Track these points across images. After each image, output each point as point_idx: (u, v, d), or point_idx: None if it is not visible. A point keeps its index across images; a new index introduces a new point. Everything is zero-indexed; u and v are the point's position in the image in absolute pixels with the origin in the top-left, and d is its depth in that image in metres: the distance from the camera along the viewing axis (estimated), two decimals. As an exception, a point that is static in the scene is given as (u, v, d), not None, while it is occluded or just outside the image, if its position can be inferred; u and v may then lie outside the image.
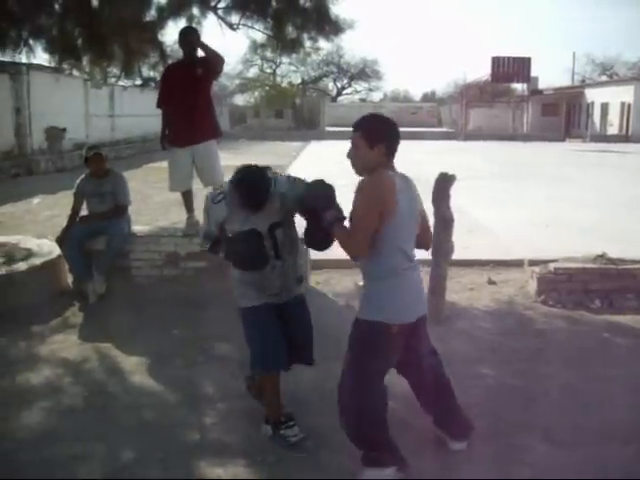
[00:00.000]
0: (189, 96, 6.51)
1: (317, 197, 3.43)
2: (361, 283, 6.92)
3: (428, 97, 76.84)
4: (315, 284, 7.03)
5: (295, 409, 4.12)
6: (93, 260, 6.56)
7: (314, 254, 7.13)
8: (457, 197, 6.07)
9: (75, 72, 20.26)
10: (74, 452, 3.79)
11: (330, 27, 8.31)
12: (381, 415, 3.50)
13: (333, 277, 7.35)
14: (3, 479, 3.56)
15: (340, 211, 3.42)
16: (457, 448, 3.74)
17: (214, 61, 6.50)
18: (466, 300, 6.66)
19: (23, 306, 6.07)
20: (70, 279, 6.79)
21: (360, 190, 3.27)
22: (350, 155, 3.43)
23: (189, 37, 6.57)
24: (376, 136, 3.32)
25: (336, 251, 7.43)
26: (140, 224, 7.40)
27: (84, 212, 6.80)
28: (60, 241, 6.51)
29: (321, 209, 3.39)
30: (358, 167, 3.41)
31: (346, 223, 3.40)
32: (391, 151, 3.36)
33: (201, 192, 7.12)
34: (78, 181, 6.72)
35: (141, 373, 4.91)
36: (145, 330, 5.63)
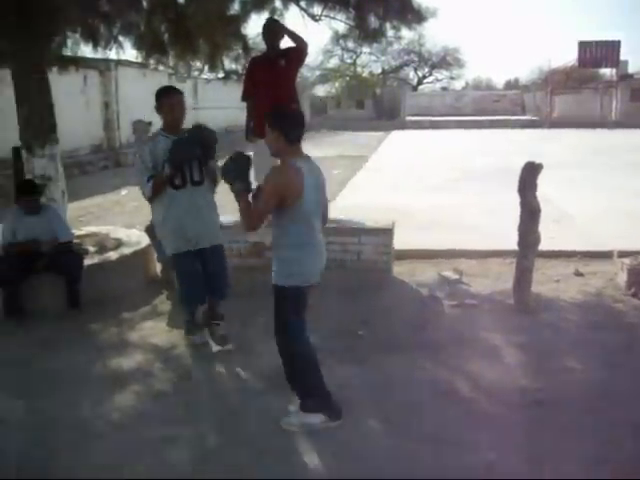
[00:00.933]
0: (273, 88, 6.58)
1: (229, 169, 3.98)
2: (445, 273, 6.93)
3: (511, 84, 75.12)
4: (398, 274, 7.01)
5: (383, 397, 4.13)
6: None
7: (399, 244, 7.13)
8: (542, 186, 5.94)
9: (160, 67, 20.71)
10: (164, 434, 3.92)
11: (413, 16, 8.20)
12: (310, 360, 4.07)
13: (417, 267, 7.31)
14: (98, 459, 3.71)
15: (249, 184, 3.97)
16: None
17: (300, 46, 6.56)
18: (552, 292, 6.52)
19: (114, 294, 6.29)
20: (159, 268, 6.98)
21: (268, 176, 3.86)
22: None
23: (274, 28, 6.65)
24: (275, 121, 3.87)
25: (421, 241, 7.42)
26: (224, 214, 7.50)
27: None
28: (149, 231, 6.70)
29: (232, 179, 3.93)
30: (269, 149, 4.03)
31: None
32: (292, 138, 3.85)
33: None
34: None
35: (226, 361, 5.02)
36: (230, 318, 5.74)
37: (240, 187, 3.90)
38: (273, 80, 6.56)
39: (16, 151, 12.54)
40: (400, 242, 7.20)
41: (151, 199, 4.97)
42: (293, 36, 6.56)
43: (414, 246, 7.82)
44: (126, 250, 6.80)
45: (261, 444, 3.78)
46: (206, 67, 9.63)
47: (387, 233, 6.75)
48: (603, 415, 4.00)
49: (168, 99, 4.99)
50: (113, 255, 6.69)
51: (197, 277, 5.07)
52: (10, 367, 5.01)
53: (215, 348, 5.21)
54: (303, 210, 3.86)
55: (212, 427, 4.02)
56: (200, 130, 4.96)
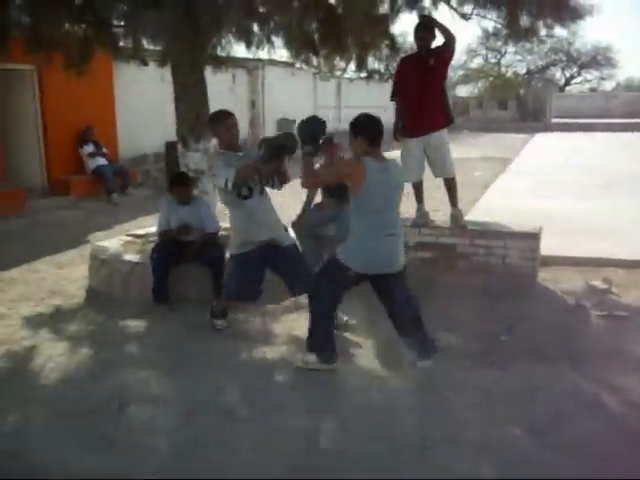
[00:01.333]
0: (421, 87, 6.58)
1: (305, 131, 4.53)
2: (593, 282, 6.66)
3: (669, 85, 70.99)
4: (544, 280, 6.80)
5: (525, 405, 4.04)
6: (325, 246, 6.84)
7: (545, 250, 6.93)
8: None
9: (305, 66, 21.19)
10: (304, 424, 4.02)
11: (568, 13, 7.93)
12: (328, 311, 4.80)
13: (563, 274, 7.07)
14: (242, 444, 3.85)
15: (317, 148, 4.61)
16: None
17: (449, 42, 6.56)
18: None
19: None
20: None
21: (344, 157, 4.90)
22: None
23: (428, 26, 6.66)
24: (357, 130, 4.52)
25: (566, 248, 7.17)
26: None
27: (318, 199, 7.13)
28: (295, 226, 6.86)
29: (307, 141, 4.52)
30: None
31: None
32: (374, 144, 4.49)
33: (431, 182, 7.23)
34: (313, 169, 7.04)
35: (368, 357, 5.08)
36: (373, 316, 5.79)
37: (309, 149, 4.52)
38: (422, 79, 6.57)
39: (168, 146, 13.28)
40: (545, 247, 6.98)
41: (237, 179, 4.99)
42: (443, 30, 6.55)
43: (559, 252, 7.57)
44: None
45: (397, 442, 3.79)
46: (349, 67, 9.74)
47: (534, 237, 6.57)
48: None
49: (225, 123, 5.32)
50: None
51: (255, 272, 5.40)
52: (164, 350, 5.30)
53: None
54: (366, 204, 4.46)
55: (351, 420, 4.07)
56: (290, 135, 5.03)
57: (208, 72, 7.73)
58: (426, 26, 6.66)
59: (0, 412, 4.30)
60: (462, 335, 5.40)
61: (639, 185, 13.26)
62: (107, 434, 3.96)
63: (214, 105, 7.52)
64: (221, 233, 6.65)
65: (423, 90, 6.60)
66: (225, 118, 5.29)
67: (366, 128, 4.50)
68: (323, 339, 4.78)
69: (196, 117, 7.10)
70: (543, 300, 6.34)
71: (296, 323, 5.79)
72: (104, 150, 13.57)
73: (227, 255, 5.80)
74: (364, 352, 5.17)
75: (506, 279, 6.42)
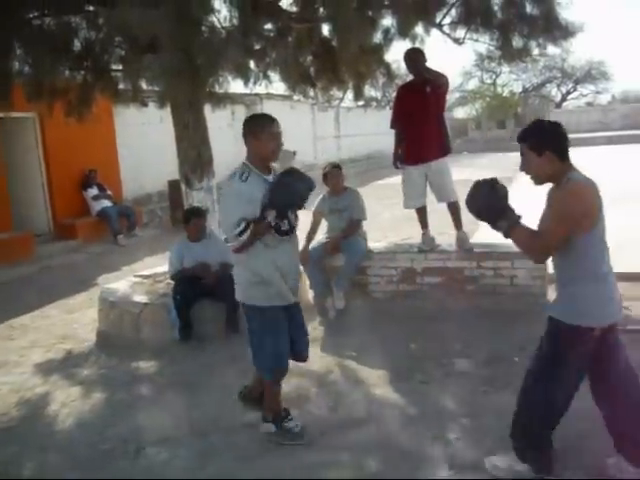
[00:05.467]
0: (420, 115, 6.66)
1: (482, 209, 3.44)
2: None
3: (665, 96, 71.22)
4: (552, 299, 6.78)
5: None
6: (332, 277, 6.87)
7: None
8: None
9: (302, 98, 21.39)
10: (321, 459, 4.01)
11: (559, 32, 8.01)
12: (558, 417, 3.57)
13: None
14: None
15: (511, 214, 3.41)
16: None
17: (437, 82, 6.63)
18: None
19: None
20: (311, 295, 7.14)
21: (557, 203, 3.30)
22: (523, 168, 3.45)
23: (412, 56, 6.75)
24: (542, 143, 3.32)
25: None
26: (373, 241, 7.61)
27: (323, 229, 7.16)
28: (301, 258, 6.87)
29: (491, 220, 3.41)
30: (535, 178, 3.44)
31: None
32: (562, 154, 3.33)
33: (434, 206, 7.25)
34: (317, 200, 7.09)
35: (381, 386, 5.05)
36: (384, 344, 5.78)
37: (507, 223, 3.38)
38: (420, 107, 6.65)
39: (171, 185, 13.37)
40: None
41: (240, 250, 4.09)
42: (430, 73, 6.66)
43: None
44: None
45: (417, 473, 3.77)
46: (347, 96, 9.83)
47: (541, 257, 6.58)
48: None
49: (271, 127, 4.10)
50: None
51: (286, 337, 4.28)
52: (178, 390, 5.29)
53: None
54: (600, 232, 3.34)
55: (369, 453, 4.06)
56: (299, 172, 4.13)
57: (207, 110, 7.81)
58: (410, 56, 6.78)
59: (16, 460, 4.30)
60: (475, 359, 5.39)
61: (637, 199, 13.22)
62: (124, 477, 3.95)
63: (214, 142, 7.62)
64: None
65: (422, 118, 6.68)
66: (271, 123, 4.10)
67: (554, 137, 3.36)
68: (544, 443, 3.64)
69: (197, 155, 7.17)
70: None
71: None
72: (108, 192, 13.66)
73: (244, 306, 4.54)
74: (378, 381, 5.14)
75: (515, 300, 6.42)
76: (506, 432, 3.87)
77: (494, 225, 3.40)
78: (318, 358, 5.70)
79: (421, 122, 6.67)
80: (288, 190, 3.97)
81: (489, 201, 3.43)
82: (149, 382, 5.55)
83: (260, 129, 4.07)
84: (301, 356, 4.46)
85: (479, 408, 4.52)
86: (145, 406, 5.05)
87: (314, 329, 6.50)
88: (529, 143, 3.36)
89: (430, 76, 6.64)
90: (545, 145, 3.30)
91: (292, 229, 4.16)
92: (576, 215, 3.20)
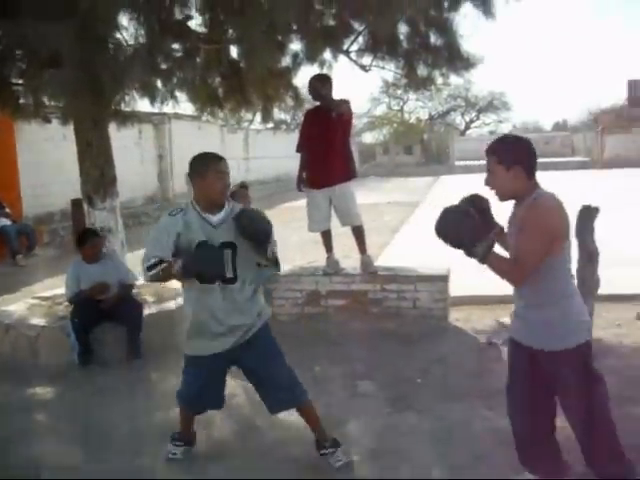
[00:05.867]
0: (325, 140, 6.73)
1: (451, 238, 3.23)
2: (502, 319, 6.84)
3: (559, 126, 74.58)
4: (455, 320, 6.96)
5: (444, 446, 4.08)
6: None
7: (454, 291, 7.10)
8: (598, 229, 5.87)
9: (211, 118, 21.29)
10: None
11: (461, 63, 8.31)
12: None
13: (473, 313, 7.24)
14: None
15: (488, 239, 3.18)
16: None
17: (338, 110, 6.71)
18: (614, 337, 6.38)
19: (174, 343, 6.35)
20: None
21: (532, 221, 3.11)
22: (489, 182, 3.31)
23: (314, 84, 6.85)
24: (511, 158, 3.18)
25: (476, 287, 7.31)
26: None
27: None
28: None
29: (466, 247, 3.18)
30: (500, 194, 3.30)
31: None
32: (530, 171, 3.20)
33: (340, 229, 7.31)
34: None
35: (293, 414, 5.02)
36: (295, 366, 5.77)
37: (483, 249, 3.15)
38: (325, 132, 6.71)
39: (74, 203, 13.00)
40: (455, 288, 7.16)
41: (154, 281, 4.13)
42: (329, 102, 6.74)
43: (469, 292, 7.77)
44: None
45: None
46: (256, 118, 9.85)
47: (443, 279, 6.74)
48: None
49: (218, 166, 3.93)
50: (171, 304, 6.80)
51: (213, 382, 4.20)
52: (76, 417, 5.11)
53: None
54: (569, 250, 3.26)
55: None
56: (250, 222, 3.89)
57: (113, 128, 7.67)
58: (311, 83, 6.86)
59: None
60: (378, 380, 5.44)
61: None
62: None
63: (120, 161, 7.47)
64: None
65: (327, 143, 6.75)
66: (216, 161, 3.95)
67: (523, 153, 3.21)
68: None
69: (100, 174, 7.01)
70: (455, 340, 6.47)
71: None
72: (6, 210, 13.15)
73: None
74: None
75: (418, 322, 6.55)
76: (409, 452, 3.92)
77: (468, 253, 3.19)
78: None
79: (326, 147, 6.74)
80: (197, 263, 3.75)
81: (458, 229, 3.22)
82: (45, 408, 5.34)
83: (205, 168, 3.89)
84: (271, 410, 4.24)
85: (383, 429, 4.55)
86: (42, 434, 4.85)
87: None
88: (498, 157, 3.21)
89: (331, 105, 6.71)
90: (514, 160, 3.17)
91: (231, 279, 3.89)
92: (554, 231, 3.11)
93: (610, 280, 6.95)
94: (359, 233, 7.02)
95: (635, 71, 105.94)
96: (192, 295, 3.98)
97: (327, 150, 6.75)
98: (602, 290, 5.96)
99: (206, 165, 3.91)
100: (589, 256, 5.68)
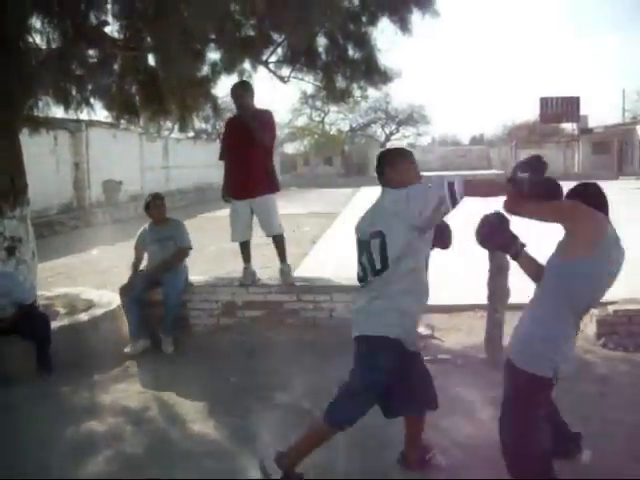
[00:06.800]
0: (246, 150, 6.68)
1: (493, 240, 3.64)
2: (418, 329, 6.92)
3: (477, 140, 76.67)
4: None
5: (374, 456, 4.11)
6: (152, 311, 6.70)
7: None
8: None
9: (130, 127, 20.93)
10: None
11: (379, 76, 8.42)
12: (549, 459, 3.50)
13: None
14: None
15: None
16: None
17: (261, 119, 6.72)
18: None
19: (85, 356, 6.21)
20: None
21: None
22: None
23: (235, 92, 6.85)
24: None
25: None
26: (196, 274, 7.53)
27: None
28: (123, 291, 6.68)
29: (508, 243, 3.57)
30: None
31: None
32: None
33: (259, 241, 7.30)
34: (139, 232, 6.96)
35: (201, 421, 4.97)
36: (203, 379, 5.71)
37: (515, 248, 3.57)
38: (247, 142, 6.65)
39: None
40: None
41: None
42: (246, 117, 6.71)
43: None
44: (97, 311, 6.74)
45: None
46: (176, 127, 9.71)
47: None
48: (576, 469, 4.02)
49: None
50: (84, 316, 6.64)
51: None
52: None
53: None
54: (593, 279, 3.37)
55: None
56: None
57: (25, 134, 7.44)
58: (234, 91, 6.84)
59: None
60: (295, 391, 5.44)
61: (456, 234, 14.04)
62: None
63: (33, 168, 7.24)
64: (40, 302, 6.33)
65: (247, 153, 6.69)
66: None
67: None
68: None
69: (10, 182, 6.75)
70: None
71: (125, 393, 5.58)
72: None
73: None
74: (197, 417, 5.05)
75: (334, 332, 6.56)
76: (330, 462, 3.92)
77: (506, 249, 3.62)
78: (136, 395, 5.53)
79: (247, 157, 6.70)
80: None
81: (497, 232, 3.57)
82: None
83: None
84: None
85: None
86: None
87: (133, 365, 6.31)
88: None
89: (247, 115, 6.68)
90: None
91: None
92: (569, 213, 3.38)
93: (522, 289, 7.16)
94: (280, 242, 7.00)
95: (547, 89, 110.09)
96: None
97: (248, 160, 6.71)
98: (513, 299, 6.11)
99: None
100: (499, 267, 5.83)
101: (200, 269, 9.31)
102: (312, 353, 6.22)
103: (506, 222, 3.55)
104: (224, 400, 5.33)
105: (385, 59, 8.36)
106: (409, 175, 3.78)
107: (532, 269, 3.58)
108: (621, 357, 6.16)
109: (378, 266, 3.63)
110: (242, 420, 4.94)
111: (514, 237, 3.55)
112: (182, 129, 9.68)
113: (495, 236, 3.59)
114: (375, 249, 3.62)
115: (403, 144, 64.90)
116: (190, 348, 6.56)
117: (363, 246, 3.74)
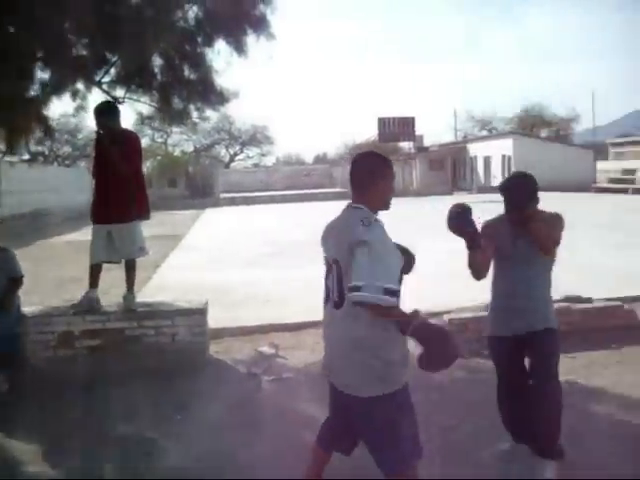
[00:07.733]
0: (105, 174, 6.45)
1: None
2: (261, 349, 6.95)
3: (320, 159, 78.25)
4: (215, 353, 6.96)
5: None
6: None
7: (214, 322, 7.10)
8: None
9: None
10: None
11: (216, 97, 8.44)
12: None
13: (234, 345, 7.28)
14: None
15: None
16: None
17: (128, 139, 6.55)
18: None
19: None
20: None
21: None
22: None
23: (95, 112, 6.54)
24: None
25: (236, 318, 7.36)
26: (30, 305, 7.12)
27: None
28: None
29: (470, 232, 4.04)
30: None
31: None
32: None
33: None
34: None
35: (36, 463, 4.68)
36: (40, 416, 5.40)
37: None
38: (105, 165, 6.44)
39: None
40: (215, 320, 7.17)
41: None
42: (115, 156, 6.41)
43: (230, 323, 7.82)
44: None
45: None
46: (8, 150, 9.23)
47: (200, 312, 6.69)
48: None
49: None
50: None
51: None
52: None
53: None
54: None
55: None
56: None
57: None
58: (101, 110, 6.56)
59: None
60: (136, 422, 5.26)
61: (299, 253, 14.24)
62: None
63: None
64: None
65: (107, 178, 6.44)
66: None
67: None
68: None
69: None
70: (216, 373, 6.47)
71: None
72: None
73: None
74: (33, 458, 4.77)
75: (178, 357, 6.44)
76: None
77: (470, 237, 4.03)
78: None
79: (108, 181, 6.43)
80: None
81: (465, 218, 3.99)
82: None
83: None
84: None
85: (142, 471, 4.42)
86: None
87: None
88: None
89: (107, 139, 6.42)
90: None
91: None
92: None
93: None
94: (131, 268, 6.72)
95: (385, 109, 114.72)
96: None
97: (108, 184, 6.44)
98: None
99: None
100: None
101: (35, 299, 8.84)
102: (155, 380, 6.06)
103: (468, 212, 4.00)
104: (62, 437, 5.06)
105: (222, 80, 8.40)
106: (388, 196, 3.44)
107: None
108: (457, 363, 6.43)
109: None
110: (82, 457, 4.71)
111: (476, 229, 4.05)
112: (12, 151, 9.20)
113: (460, 225, 4.00)
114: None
115: (247, 164, 65.41)
116: (26, 384, 6.19)
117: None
